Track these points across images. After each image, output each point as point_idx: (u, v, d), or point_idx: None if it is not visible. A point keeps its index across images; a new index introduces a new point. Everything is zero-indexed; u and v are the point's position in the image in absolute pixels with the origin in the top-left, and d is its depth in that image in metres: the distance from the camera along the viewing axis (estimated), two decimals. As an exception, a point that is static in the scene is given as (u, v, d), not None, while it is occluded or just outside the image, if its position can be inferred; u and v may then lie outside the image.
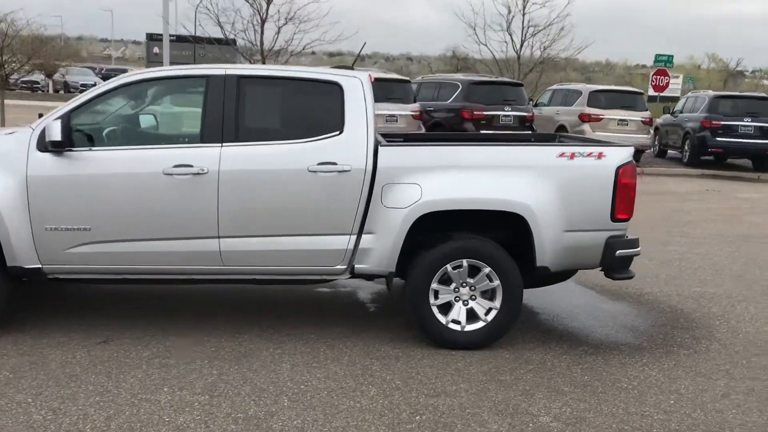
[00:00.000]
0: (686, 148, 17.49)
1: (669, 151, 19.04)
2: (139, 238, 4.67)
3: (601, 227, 4.83)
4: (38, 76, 35.93)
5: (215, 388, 4.09)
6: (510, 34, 20.58)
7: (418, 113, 14.56)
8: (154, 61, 36.07)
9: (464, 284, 4.81)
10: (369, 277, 4.95)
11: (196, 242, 4.69)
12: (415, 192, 4.68)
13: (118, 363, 4.37)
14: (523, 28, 20.51)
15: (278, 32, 15.85)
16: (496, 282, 4.78)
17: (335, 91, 4.79)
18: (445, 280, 4.80)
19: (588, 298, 6.24)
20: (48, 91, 38.43)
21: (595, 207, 4.81)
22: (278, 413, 3.80)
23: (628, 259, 4.94)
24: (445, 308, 4.84)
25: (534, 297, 5.98)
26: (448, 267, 4.76)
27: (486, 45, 20.82)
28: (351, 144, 4.71)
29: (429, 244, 4.81)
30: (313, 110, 4.91)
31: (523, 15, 20.36)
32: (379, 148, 4.73)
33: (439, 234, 4.84)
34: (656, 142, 19.22)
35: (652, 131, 18.11)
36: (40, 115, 4.81)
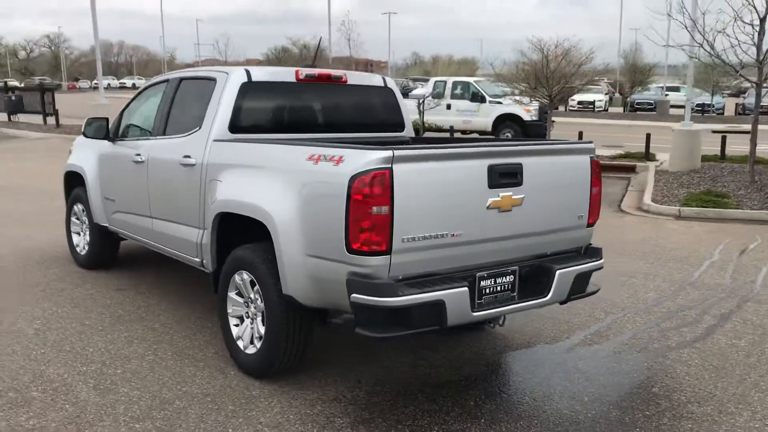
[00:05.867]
0: None
1: None
2: (127, 211, 5.85)
3: (337, 257, 3.52)
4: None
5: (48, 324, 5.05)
6: None
7: None
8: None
9: (252, 300, 4.23)
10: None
11: (144, 219, 5.56)
12: (218, 189, 4.44)
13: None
14: None
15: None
16: (263, 303, 4.05)
17: (212, 86, 4.87)
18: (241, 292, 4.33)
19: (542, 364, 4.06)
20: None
21: (329, 229, 3.54)
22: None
23: (374, 310, 3.38)
24: (241, 322, 4.36)
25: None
26: (236, 276, 4.29)
27: None
28: (201, 138, 4.75)
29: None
30: (200, 106, 5.08)
31: None
32: (212, 143, 4.62)
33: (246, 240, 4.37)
34: None
35: None
36: None
